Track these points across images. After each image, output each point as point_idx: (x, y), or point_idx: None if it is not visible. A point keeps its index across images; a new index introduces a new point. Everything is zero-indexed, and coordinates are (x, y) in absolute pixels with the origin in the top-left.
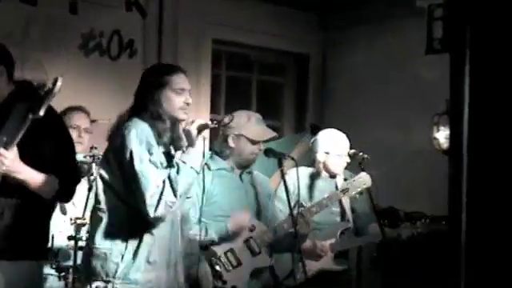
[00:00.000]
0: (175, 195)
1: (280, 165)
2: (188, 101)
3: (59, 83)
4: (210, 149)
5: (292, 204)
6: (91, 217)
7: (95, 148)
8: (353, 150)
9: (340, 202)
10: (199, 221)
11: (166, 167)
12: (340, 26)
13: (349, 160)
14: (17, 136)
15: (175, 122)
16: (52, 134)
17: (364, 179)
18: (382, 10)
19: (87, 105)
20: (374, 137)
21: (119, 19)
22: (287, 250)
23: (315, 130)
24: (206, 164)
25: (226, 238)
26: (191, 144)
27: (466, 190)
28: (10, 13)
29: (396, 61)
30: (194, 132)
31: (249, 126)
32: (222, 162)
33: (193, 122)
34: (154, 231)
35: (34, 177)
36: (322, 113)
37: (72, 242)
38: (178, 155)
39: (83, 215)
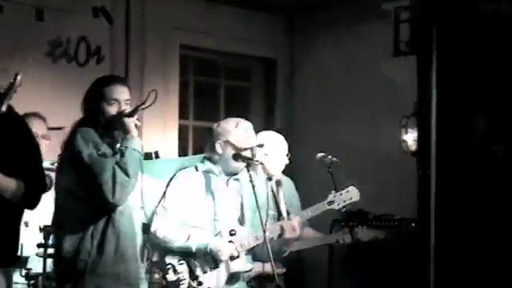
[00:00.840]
0: (127, 175)
1: (248, 169)
2: (120, 110)
3: (19, 78)
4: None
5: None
6: (53, 223)
7: None
8: (321, 154)
9: (277, 205)
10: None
11: (113, 156)
12: (307, 30)
13: (287, 162)
14: None
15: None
16: (18, 140)
17: (351, 193)
18: (349, 13)
19: (55, 111)
20: (342, 139)
21: (86, 26)
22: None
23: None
24: (195, 167)
25: (203, 256)
26: (127, 132)
27: (435, 191)
28: None
29: (364, 63)
30: (126, 121)
31: (235, 133)
32: (211, 166)
33: (122, 112)
34: (118, 226)
35: (1, 179)
36: (291, 116)
37: (41, 250)
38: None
39: (52, 223)
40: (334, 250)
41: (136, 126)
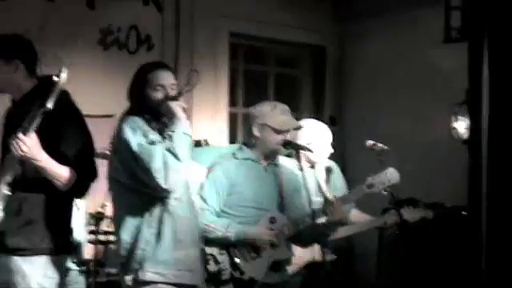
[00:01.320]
0: (177, 159)
1: (298, 155)
2: (168, 96)
3: (63, 74)
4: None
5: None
6: (113, 216)
7: None
8: (372, 141)
9: (321, 191)
10: (213, 211)
11: (162, 142)
12: (356, 17)
13: (332, 151)
14: (31, 127)
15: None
16: (70, 128)
17: (391, 175)
18: (399, 0)
19: (106, 99)
20: (392, 127)
21: (136, 14)
22: (311, 241)
23: (334, 122)
24: (232, 154)
25: (243, 245)
26: (173, 115)
27: (486, 179)
28: (28, 9)
29: (414, 50)
30: (172, 105)
31: (273, 115)
32: (249, 153)
33: (167, 96)
34: (174, 212)
35: (53, 166)
36: (340, 104)
37: (92, 236)
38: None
39: (103, 209)
40: (383, 235)
41: (183, 109)
